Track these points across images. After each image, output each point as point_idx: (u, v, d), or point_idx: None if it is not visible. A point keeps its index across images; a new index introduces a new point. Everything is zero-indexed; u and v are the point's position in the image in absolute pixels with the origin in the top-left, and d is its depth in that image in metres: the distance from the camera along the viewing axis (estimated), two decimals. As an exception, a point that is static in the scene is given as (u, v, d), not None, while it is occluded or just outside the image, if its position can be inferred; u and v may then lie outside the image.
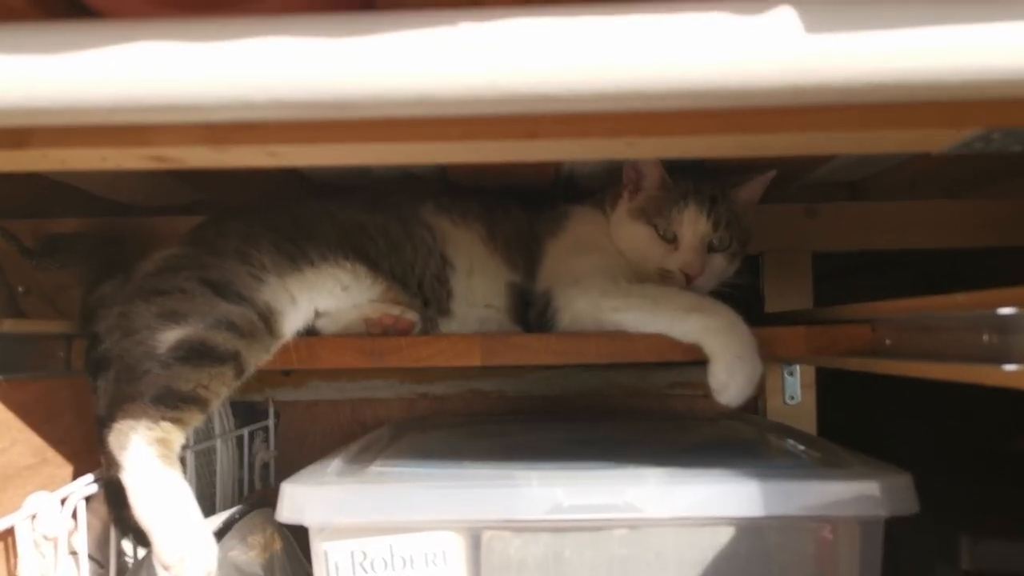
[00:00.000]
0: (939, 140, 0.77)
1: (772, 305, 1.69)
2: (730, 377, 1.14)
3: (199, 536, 1.00)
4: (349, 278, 1.27)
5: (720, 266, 1.36)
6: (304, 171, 1.47)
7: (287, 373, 1.78)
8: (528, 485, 0.99)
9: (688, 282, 1.31)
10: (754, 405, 1.76)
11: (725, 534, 0.99)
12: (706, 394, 1.75)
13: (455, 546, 1.01)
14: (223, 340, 1.11)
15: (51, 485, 1.11)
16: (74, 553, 1.13)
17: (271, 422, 1.74)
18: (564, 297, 1.28)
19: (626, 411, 1.78)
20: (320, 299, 1.24)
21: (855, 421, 1.75)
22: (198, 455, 1.55)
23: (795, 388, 1.70)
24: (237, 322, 1.13)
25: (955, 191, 1.64)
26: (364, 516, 1.00)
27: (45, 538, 1.05)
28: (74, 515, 1.11)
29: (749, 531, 0.99)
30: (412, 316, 1.27)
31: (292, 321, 1.20)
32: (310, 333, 1.25)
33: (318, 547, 1.02)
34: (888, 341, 1.12)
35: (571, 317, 1.26)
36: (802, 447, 1.23)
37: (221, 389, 1.10)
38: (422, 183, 1.49)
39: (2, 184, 0.98)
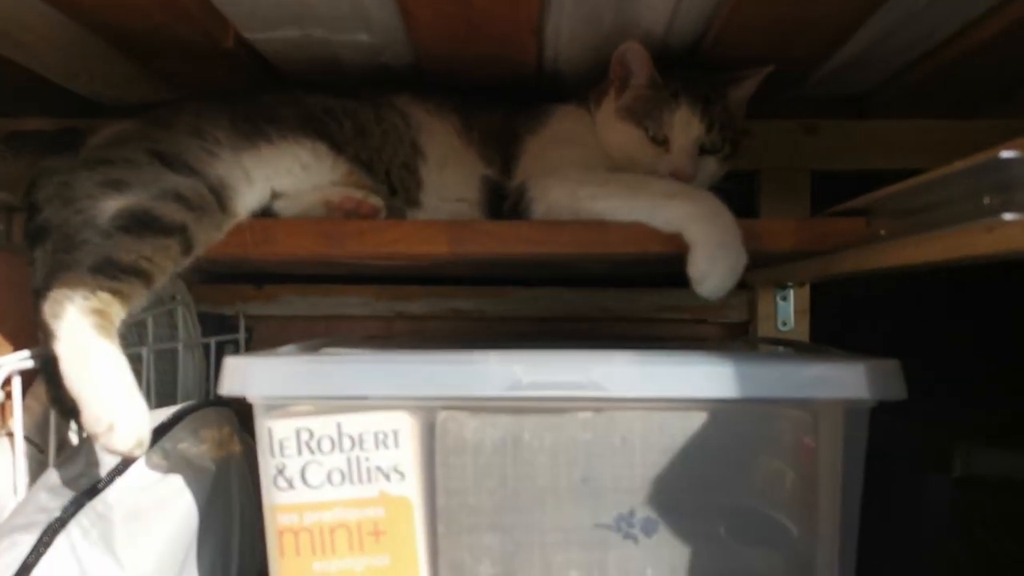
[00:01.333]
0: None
1: (767, 223, 1.61)
2: (711, 266, 1.07)
3: (131, 403, 0.93)
4: (309, 157, 1.19)
5: (712, 169, 1.28)
6: (276, 65, 1.39)
7: (259, 286, 1.72)
8: (485, 363, 0.92)
9: None
10: (746, 332, 1.69)
11: (697, 419, 0.92)
12: (696, 319, 1.71)
13: (407, 427, 0.94)
14: (170, 211, 1.04)
15: (-14, 360, 1.04)
16: (10, 435, 1.07)
17: (242, 336, 1.68)
18: (540, 187, 1.20)
19: (614, 335, 1.71)
20: (278, 178, 1.17)
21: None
22: (160, 361, 1.49)
23: (788, 313, 1.63)
24: (185, 194, 1.05)
25: (968, 107, 1.55)
26: (308, 390, 0.93)
27: (-28, 410, 0.98)
28: (9, 396, 1.04)
29: (724, 416, 0.92)
30: (376, 201, 1.19)
31: (247, 199, 1.13)
32: (267, 216, 1.18)
33: (262, 425, 0.95)
34: (883, 231, 1.04)
35: (546, 207, 1.18)
36: (791, 348, 1.16)
37: (166, 263, 1.03)
38: (398, 76, 1.41)
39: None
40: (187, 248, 1.05)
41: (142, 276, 1.01)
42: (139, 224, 1.02)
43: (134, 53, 1.32)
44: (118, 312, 0.99)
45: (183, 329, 1.53)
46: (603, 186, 1.14)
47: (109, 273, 0.99)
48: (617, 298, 1.70)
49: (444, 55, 1.28)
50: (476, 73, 1.36)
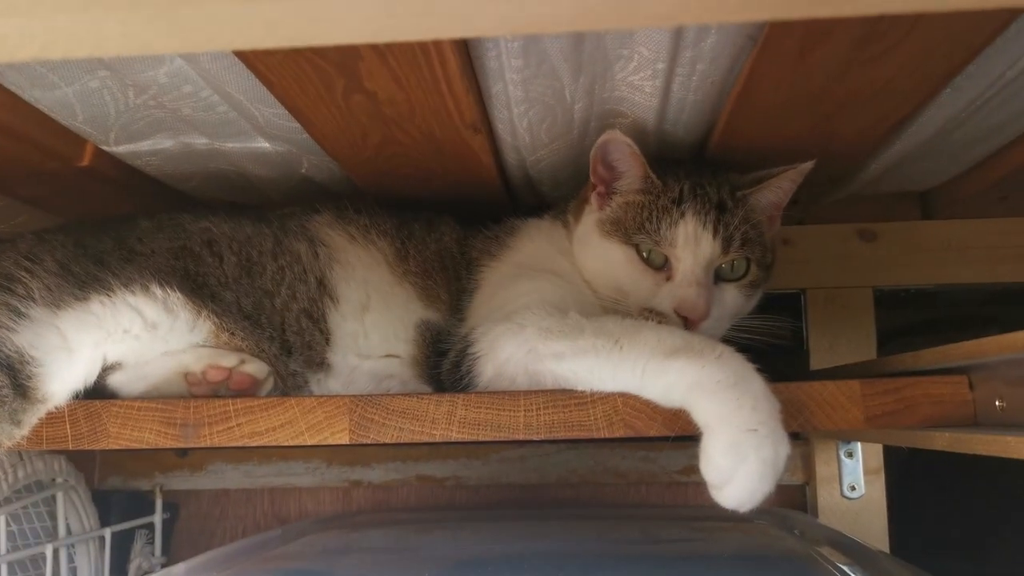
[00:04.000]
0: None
1: (819, 360, 1.25)
2: (736, 463, 0.69)
3: None
4: (157, 312, 0.85)
5: (733, 303, 0.93)
6: (176, 188, 1.09)
7: (182, 453, 1.38)
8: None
9: (688, 328, 0.87)
10: (801, 497, 1.30)
11: None
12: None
13: None
14: (-67, 405, 0.71)
15: None
16: None
17: (158, 519, 1.34)
18: (488, 339, 0.85)
19: (626, 504, 1.34)
20: (112, 343, 0.83)
21: (943, 516, 1.29)
22: (36, 567, 1.15)
23: (857, 475, 1.25)
24: (-38, 377, 0.73)
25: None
26: None
27: None
28: None
29: None
30: (253, 369, 0.85)
31: (64, 376, 0.79)
32: (102, 395, 0.84)
33: None
34: (999, 402, 0.67)
35: (495, 368, 0.83)
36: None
37: (-74, 483, 0.70)
38: (328, 195, 1.10)
39: None
40: (-37, 457, 0.72)
41: None
42: None
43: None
44: None
45: (66, 520, 1.19)
46: (573, 339, 0.78)
47: None
48: (629, 458, 1.33)
49: (367, 163, 0.96)
50: (426, 188, 1.04)
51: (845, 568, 0.86)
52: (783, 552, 0.99)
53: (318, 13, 0.42)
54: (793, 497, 1.30)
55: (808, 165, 0.91)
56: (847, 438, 1.22)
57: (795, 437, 1.26)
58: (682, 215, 0.89)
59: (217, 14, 0.42)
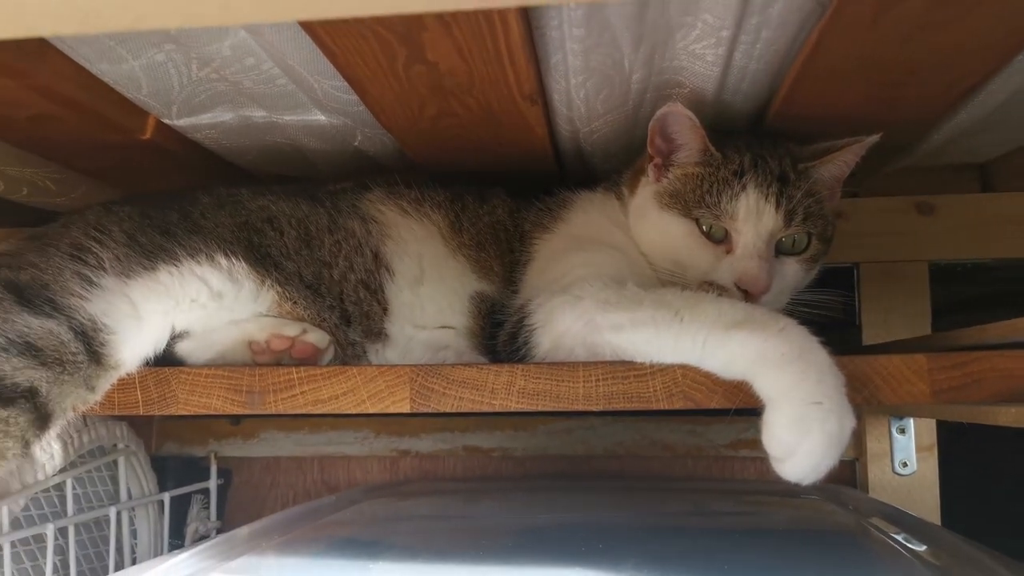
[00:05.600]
0: None
1: (872, 335, 1.24)
2: (800, 435, 0.69)
3: None
4: (222, 281, 0.87)
5: (794, 277, 0.92)
6: (232, 161, 1.11)
7: (236, 421, 1.41)
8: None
9: (748, 302, 0.87)
10: (851, 473, 1.29)
11: None
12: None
13: None
14: (12, 369, 0.73)
15: None
16: None
17: (213, 484, 1.37)
18: (545, 310, 0.85)
19: (673, 477, 1.34)
20: (180, 312, 0.85)
21: (995, 494, 1.27)
22: (100, 528, 1.18)
23: (909, 451, 1.24)
24: (38, 343, 0.75)
25: None
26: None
27: None
28: None
29: None
30: (315, 338, 0.86)
31: (134, 343, 0.81)
32: (171, 362, 0.86)
33: None
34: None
35: (553, 340, 0.83)
36: (918, 546, 0.78)
37: (6, 445, 0.72)
38: (377, 170, 1.10)
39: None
40: (41, 419, 0.74)
41: (-36, 469, 0.70)
42: (-37, 391, 0.71)
43: (49, 156, 1.05)
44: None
45: (127, 485, 1.23)
46: (631, 310, 0.78)
47: (-89, 468, 0.68)
48: (676, 431, 1.32)
49: (422, 135, 0.96)
50: (477, 160, 1.04)
51: (899, 538, 0.85)
52: (835, 525, 0.99)
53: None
54: (843, 473, 1.29)
55: (874, 138, 0.90)
56: (906, 413, 1.20)
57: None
58: (743, 188, 0.89)
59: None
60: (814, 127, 0.94)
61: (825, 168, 0.92)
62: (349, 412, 0.79)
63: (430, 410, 0.78)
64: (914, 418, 1.21)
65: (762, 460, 1.30)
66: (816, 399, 0.69)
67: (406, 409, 0.78)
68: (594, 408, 0.77)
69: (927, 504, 1.20)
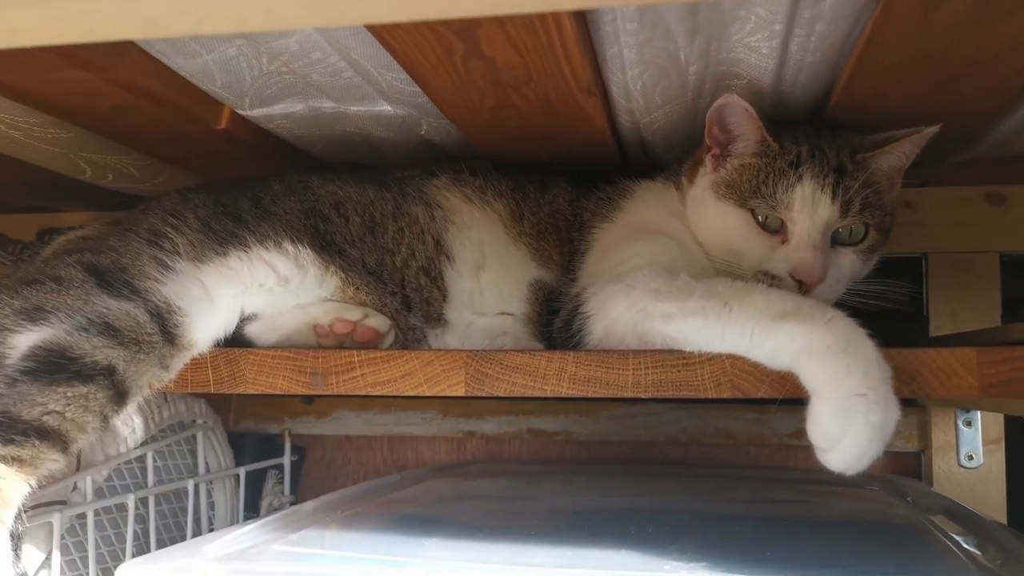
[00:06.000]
0: None
1: (940, 327, 1.21)
2: (844, 426, 0.70)
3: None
4: (289, 267, 0.91)
5: (851, 267, 0.92)
6: (304, 149, 1.15)
7: (309, 401, 1.47)
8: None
9: (803, 292, 0.87)
10: (916, 465, 1.27)
11: None
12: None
13: None
14: (91, 348, 0.79)
15: None
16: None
17: (287, 460, 1.43)
18: (599, 299, 0.87)
19: (735, 465, 1.34)
20: (249, 296, 0.90)
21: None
22: (179, 499, 1.25)
23: (975, 444, 1.22)
24: (116, 323, 0.80)
25: None
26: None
27: None
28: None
29: None
30: (376, 323, 0.90)
31: (207, 325, 0.86)
32: (240, 343, 0.91)
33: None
34: None
35: (605, 328, 0.85)
36: (975, 546, 0.77)
37: (85, 418, 0.78)
38: (444, 158, 1.13)
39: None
40: (118, 396, 0.80)
41: (50, 437, 0.76)
42: (50, 367, 0.77)
43: (131, 144, 1.11)
44: (16, 487, 0.75)
45: (205, 458, 1.29)
46: (682, 300, 0.80)
47: (3, 435, 0.74)
48: (739, 419, 1.33)
49: (484, 126, 0.99)
50: (539, 150, 1.06)
51: (958, 538, 0.85)
52: (894, 519, 0.98)
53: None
54: (908, 464, 1.28)
55: (933, 129, 0.89)
56: (967, 406, 1.19)
57: (912, 404, 1.25)
58: (799, 178, 0.89)
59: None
60: (875, 118, 0.94)
61: (884, 159, 0.91)
62: (407, 394, 0.82)
63: (484, 394, 0.81)
64: (981, 411, 1.19)
65: (824, 451, 1.29)
66: (861, 391, 0.69)
67: (461, 392, 0.81)
68: (642, 395, 0.79)
69: (992, 498, 1.18)
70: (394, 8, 0.47)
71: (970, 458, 1.21)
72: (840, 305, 0.85)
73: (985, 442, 1.21)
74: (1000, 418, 1.20)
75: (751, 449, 1.34)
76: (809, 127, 0.95)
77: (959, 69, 0.81)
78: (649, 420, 1.36)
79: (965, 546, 0.81)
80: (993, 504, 1.18)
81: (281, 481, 1.43)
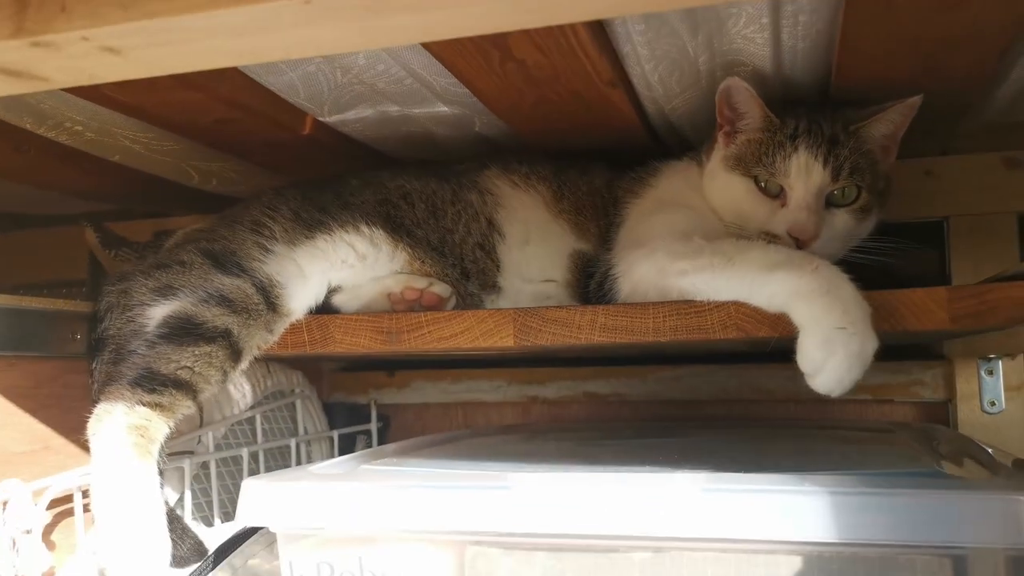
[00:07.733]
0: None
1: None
2: (827, 355, 0.83)
3: (152, 544, 0.86)
4: (365, 246, 1.09)
5: (845, 226, 1.04)
6: (377, 148, 1.32)
7: (391, 373, 1.65)
8: (522, 491, 0.75)
9: (800, 248, 1.01)
10: (944, 414, 1.38)
11: (788, 566, 0.70)
12: (879, 399, 1.42)
13: (434, 563, 0.80)
14: (212, 316, 0.97)
15: (53, 473, 1.02)
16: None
17: (374, 426, 1.61)
18: (626, 262, 1.02)
19: (775, 420, 1.46)
20: (334, 271, 1.08)
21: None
22: (284, 458, 1.44)
23: (997, 391, 1.32)
24: (230, 296, 0.99)
25: None
26: (327, 521, 0.81)
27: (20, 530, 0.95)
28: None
29: (819, 563, 0.69)
30: (439, 289, 1.07)
31: (301, 296, 1.05)
32: (328, 311, 1.09)
33: (284, 557, 0.85)
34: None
35: (631, 286, 1.00)
36: (983, 467, 0.88)
37: (209, 372, 0.97)
38: (494, 150, 1.29)
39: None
40: (235, 354, 0.99)
41: (183, 387, 0.95)
42: (180, 331, 0.96)
43: (230, 152, 1.30)
44: (159, 427, 0.94)
45: (303, 423, 1.48)
46: (694, 258, 0.94)
47: (148, 386, 0.93)
48: (777, 376, 1.45)
49: (527, 120, 1.14)
50: (580, 138, 1.21)
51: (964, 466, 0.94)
52: (908, 453, 1.09)
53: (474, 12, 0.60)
54: (937, 413, 1.38)
55: (915, 99, 1.00)
56: (986, 353, 1.28)
57: (938, 358, 1.36)
58: (795, 149, 1.02)
59: (403, 22, 0.61)
60: (874, 94, 1.05)
61: (874, 127, 1.03)
62: (466, 347, 0.98)
63: (529, 344, 0.96)
64: (1001, 360, 1.29)
65: (858, 402, 1.42)
66: (841, 325, 0.83)
67: (511, 344, 0.97)
68: (662, 339, 0.93)
69: (1015, 439, 1.27)
70: (437, 30, 0.62)
71: (992, 404, 1.31)
72: (845, 262, 0.98)
73: (1006, 389, 1.30)
74: (1020, 366, 1.29)
75: (791, 405, 1.46)
76: (813, 105, 1.07)
77: (934, 49, 0.91)
78: (694, 381, 1.49)
79: (971, 466, 0.91)
80: (1016, 444, 1.27)
81: (369, 445, 1.61)
